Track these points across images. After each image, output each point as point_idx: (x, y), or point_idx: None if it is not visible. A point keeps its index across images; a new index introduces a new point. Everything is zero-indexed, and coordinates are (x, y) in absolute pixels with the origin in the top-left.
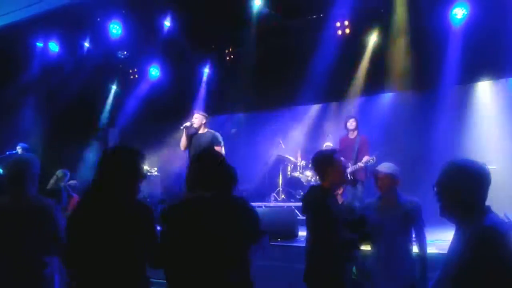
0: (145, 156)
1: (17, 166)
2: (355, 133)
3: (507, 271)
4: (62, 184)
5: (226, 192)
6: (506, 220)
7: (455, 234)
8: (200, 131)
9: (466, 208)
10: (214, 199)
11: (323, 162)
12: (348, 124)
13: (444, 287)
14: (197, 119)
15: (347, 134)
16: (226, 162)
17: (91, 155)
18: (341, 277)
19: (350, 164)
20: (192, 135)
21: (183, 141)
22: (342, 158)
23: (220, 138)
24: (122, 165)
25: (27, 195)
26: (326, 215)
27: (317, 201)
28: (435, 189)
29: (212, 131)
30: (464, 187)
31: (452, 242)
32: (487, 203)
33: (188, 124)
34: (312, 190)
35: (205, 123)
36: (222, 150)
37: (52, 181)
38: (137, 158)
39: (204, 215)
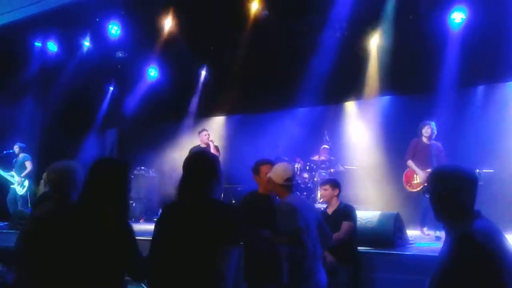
0: (130, 168)
1: (61, 173)
2: (430, 139)
3: (483, 279)
4: None
5: (204, 195)
6: None
7: (445, 239)
8: (202, 145)
9: (454, 213)
10: (188, 204)
11: (252, 170)
12: (423, 131)
13: None
14: (206, 136)
15: (421, 138)
16: (212, 163)
17: (89, 155)
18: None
19: (428, 171)
20: None
21: None
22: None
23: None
24: (107, 179)
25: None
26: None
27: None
28: (426, 195)
29: (210, 142)
30: (450, 193)
31: (442, 248)
32: (484, 206)
33: None
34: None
35: None
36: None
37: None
38: (123, 171)
39: (176, 221)
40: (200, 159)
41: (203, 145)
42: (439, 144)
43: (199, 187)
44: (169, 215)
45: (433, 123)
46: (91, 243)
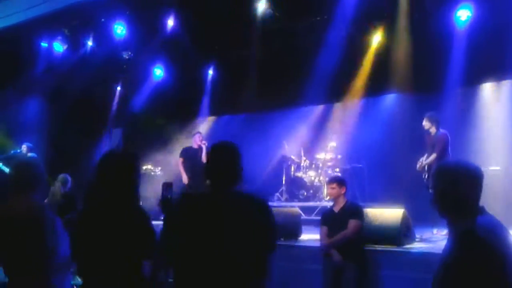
0: (139, 159)
1: (20, 169)
2: (434, 130)
3: (486, 274)
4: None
5: (235, 188)
6: None
7: (448, 236)
8: (194, 146)
9: (458, 209)
10: (226, 196)
11: None
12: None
13: None
14: (200, 138)
15: (430, 132)
16: (239, 156)
17: (96, 155)
18: None
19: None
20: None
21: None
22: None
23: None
24: (117, 170)
25: (28, 200)
26: None
27: None
28: (430, 191)
29: (203, 145)
30: (454, 189)
31: (445, 244)
32: (491, 203)
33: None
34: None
35: None
36: None
37: (56, 187)
38: (132, 162)
39: (212, 213)
40: (232, 149)
41: (195, 146)
42: (442, 132)
43: (232, 179)
44: (199, 207)
45: (430, 114)
46: (112, 235)
